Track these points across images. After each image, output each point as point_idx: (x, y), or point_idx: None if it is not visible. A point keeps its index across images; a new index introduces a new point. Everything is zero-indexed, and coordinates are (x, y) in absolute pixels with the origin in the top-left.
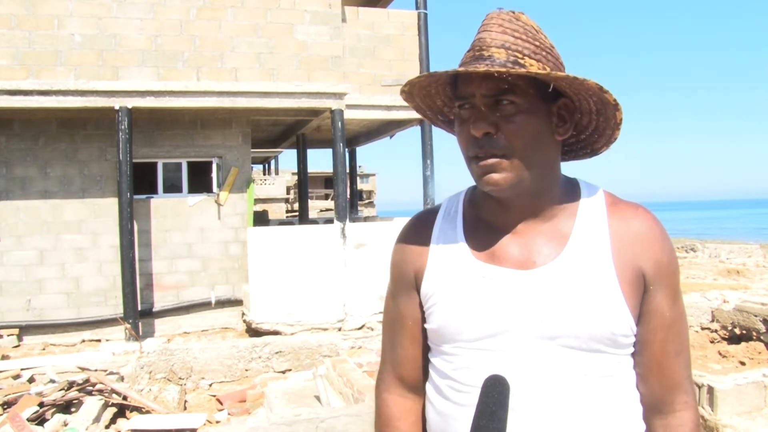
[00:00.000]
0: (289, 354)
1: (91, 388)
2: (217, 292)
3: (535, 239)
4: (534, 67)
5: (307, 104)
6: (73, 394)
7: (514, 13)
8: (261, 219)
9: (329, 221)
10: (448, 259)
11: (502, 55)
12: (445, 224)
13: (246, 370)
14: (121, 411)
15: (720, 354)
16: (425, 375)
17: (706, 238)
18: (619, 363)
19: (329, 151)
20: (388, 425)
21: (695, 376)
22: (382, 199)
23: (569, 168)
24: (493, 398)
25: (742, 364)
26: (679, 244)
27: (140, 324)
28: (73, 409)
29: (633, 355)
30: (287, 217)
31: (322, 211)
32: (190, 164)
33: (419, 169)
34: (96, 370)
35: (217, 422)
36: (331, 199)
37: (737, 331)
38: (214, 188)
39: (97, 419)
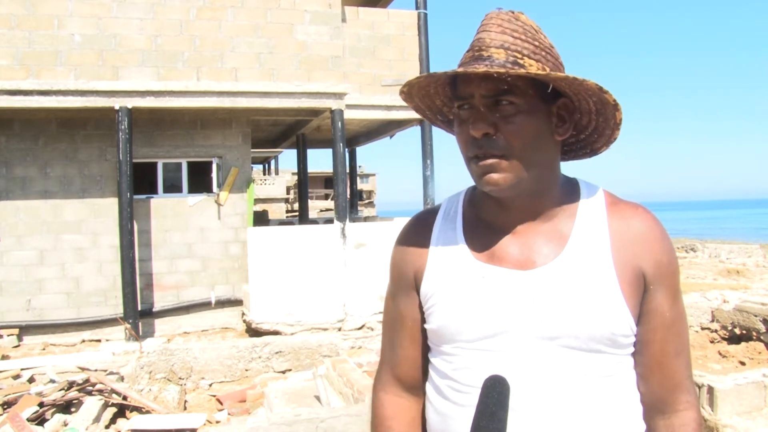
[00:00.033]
0: (289, 354)
1: (91, 388)
2: (217, 292)
3: (534, 239)
4: (533, 68)
5: (307, 104)
6: (73, 394)
7: (513, 13)
8: (261, 219)
9: (329, 221)
10: (447, 259)
11: (502, 56)
12: (444, 224)
13: (246, 370)
14: (121, 411)
15: (720, 354)
16: (424, 376)
17: (706, 238)
18: (619, 363)
19: (329, 151)
20: (382, 424)
21: (695, 376)
22: (382, 199)
23: (569, 168)
24: (493, 398)
25: (742, 364)
26: (679, 244)
27: (140, 324)
28: (73, 409)
29: (633, 355)
30: (287, 217)
31: (322, 211)
32: (190, 164)
33: (419, 169)
34: (96, 370)
35: (217, 422)
36: (331, 199)
37: (737, 331)
38: (214, 188)
39: (97, 419)
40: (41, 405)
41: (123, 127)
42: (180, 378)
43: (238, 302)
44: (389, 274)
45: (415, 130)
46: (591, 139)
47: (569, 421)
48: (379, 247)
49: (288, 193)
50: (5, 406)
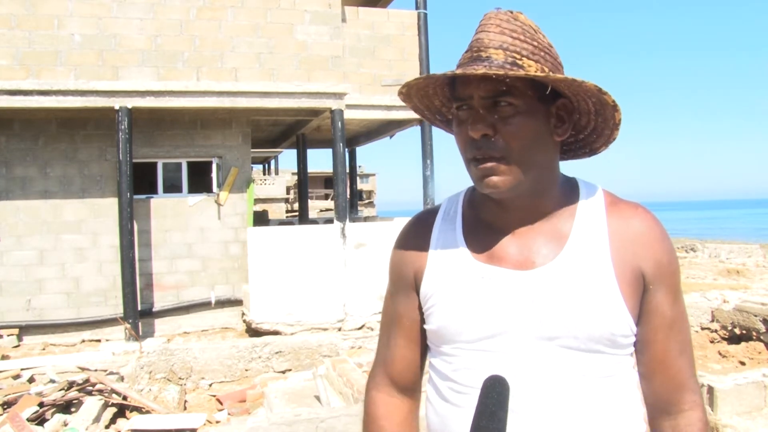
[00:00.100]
0: (289, 354)
1: (91, 388)
2: (217, 292)
3: (534, 239)
4: (532, 68)
5: (307, 104)
6: (73, 394)
7: (512, 12)
8: (261, 219)
9: (329, 221)
10: (447, 259)
11: (500, 56)
12: (444, 225)
13: (246, 370)
14: (121, 411)
15: (720, 354)
16: (418, 377)
17: (706, 238)
18: (618, 363)
19: (329, 151)
20: (374, 423)
21: None
22: (382, 199)
23: (569, 167)
24: (493, 398)
25: (742, 364)
26: (679, 244)
27: (140, 324)
28: (73, 409)
29: (636, 355)
30: (287, 217)
31: (322, 211)
32: (190, 164)
33: (419, 169)
34: (96, 370)
35: (217, 422)
36: (331, 199)
37: (737, 331)
38: (214, 188)
39: (97, 419)
40: (41, 405)
41: (123, 127)
42: (180, 378)
43: (238, 302)
44: (388, 274)
45: (415, 130)
46: (590, 139)
47: (569, 421)
48: (379, 247)
49: (288, 193)
50: (5, 406)
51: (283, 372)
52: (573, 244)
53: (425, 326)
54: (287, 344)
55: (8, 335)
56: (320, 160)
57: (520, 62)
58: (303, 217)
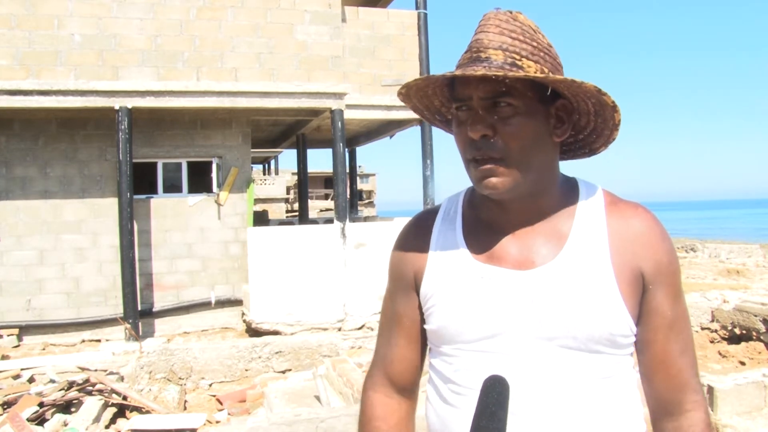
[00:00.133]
0: (289, 354)
1: (91, 388)
2: (217, 292)
3: (534, 239)
4: (532, 69)
5: (307, 104)
6: (73, 394)
7: (511, 13)
8: (261, 219)
9: (329, 221)
10: (447, 259)
11: (500, 57)
12: (444, 225)
13: (246, 370)
14: (121, 411)
15: (720, 354)
16: (416, 378)
17: (706, 238)
18: (618, 363)
19: (329, 151)
20: (369, 424)
21: None
22: (382, 199)
23: (569, 167)
24: (493, 398)
25: (742, 364)
26: (679, 244)
27: (140, 324)
28: (73, 409)
29: (637, 355)
30: (287, 217)
31: (322, 211)
32: (190, 164)
33: (419, 169)
34: (96, 370)
35: (217, 422)
36: (331, 199)
37: (737, 331)
38: (214, 188)
39: (97, 419)
40: (41, 405)
41: (123, 127)
42: (180, 378)
43: (238, 302)
44: (388, 274)
45: (415, 130)
46: (590, 139)
47: (568, 421)
48: (379, 247)
49: (288, 193)
50: (5, 406)
51: (283, 372)
52: (572, 244)
53: (425, 326)
54: (287, 344)
55: (8, 335)
56: (320, 160)
57: (519, 63)
58: (303, 217)
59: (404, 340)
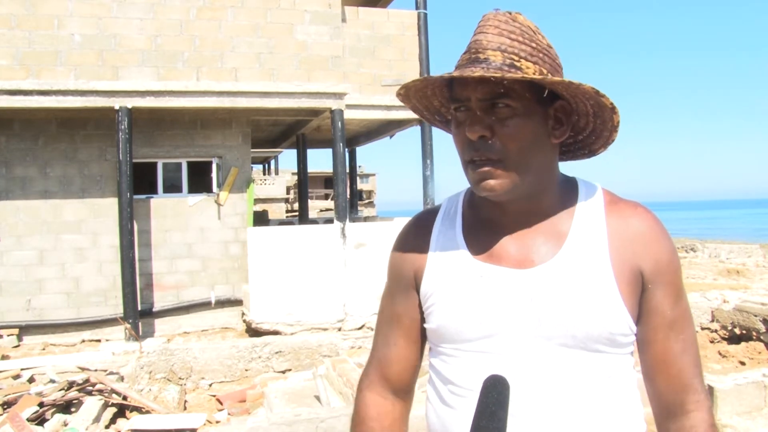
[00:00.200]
0: (289, 354)
1: (91, 388)
2: (217, 292)
3: (533, 239)
4: (531, 70)
5: (307, 104)
6: (73, 394)
7: (510, 13)
8: (261, 219)
9: (329, 221)
10: (447, 259)
11: (498, 58)
12: (444, 225)
13: (246, 370)
14: (121, 411)
15: (720, 354)
16: (413, 380)
17: (706, 238)
18: (617, 363)
19: (329, 151)
20: (363, 424)
21: None
22: (382, 199)
23: (569, 167)
24: (493, 398)
25: (742, 364)
26: (679, 244)
27: (140, 324)
28: (73, 409)
29: (638, 355)
30: (287, 217)
31: (322, 211)
32: (190, 164)
33: (419, 169)
34: (96, 370)
35: (217, 422)
36: (331, 199)
37: (737, 331)
38: (214, 188)
39: (97, 419)
40: (41, 405)
41: (123, 127)
42: (180, 378)
43: (238, 302)
44: (387, 273)
45: (415, 130)
46: (589, 140)
47: (568, 420)
48: (379, 247)
49: (288, 193)
50: (5, 406)
51: (283, 372)
52: (572, 243)
53: (425, 325)
54: (287, 344)
55: (8, 335)
56: (320, 160)
57: (518, 64)
58: (303, 217)
59: (403, 339)
